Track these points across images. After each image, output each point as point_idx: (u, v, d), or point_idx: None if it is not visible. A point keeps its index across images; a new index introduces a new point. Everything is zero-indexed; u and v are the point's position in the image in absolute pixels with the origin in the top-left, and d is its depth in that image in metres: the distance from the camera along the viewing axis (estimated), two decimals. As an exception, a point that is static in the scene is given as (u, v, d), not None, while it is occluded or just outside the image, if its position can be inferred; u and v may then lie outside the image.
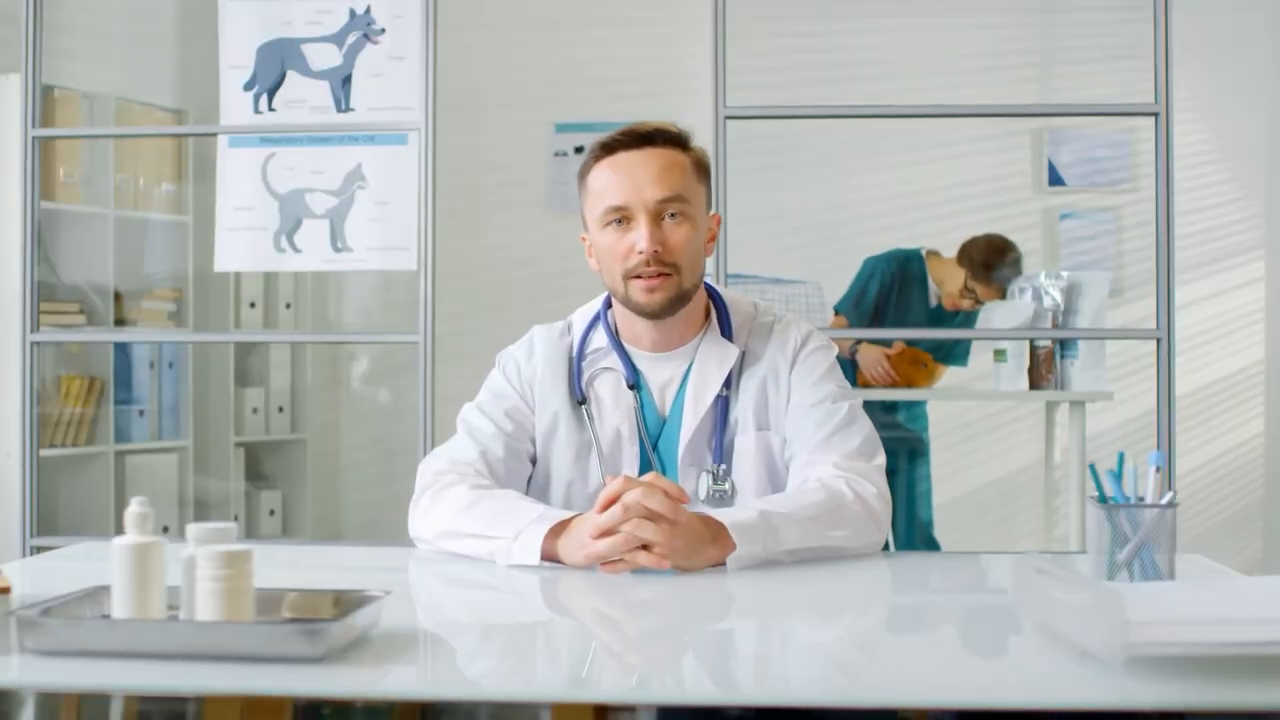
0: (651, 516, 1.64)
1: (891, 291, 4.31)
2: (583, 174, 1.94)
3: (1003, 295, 4.21)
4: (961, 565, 2.04)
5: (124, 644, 1.20)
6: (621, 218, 1.89)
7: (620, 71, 4.99)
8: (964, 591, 1.78)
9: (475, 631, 1.48)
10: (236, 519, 4.65)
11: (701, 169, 1.94)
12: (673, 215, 1.88)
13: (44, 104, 3.39)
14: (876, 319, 4.29)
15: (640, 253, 1.86)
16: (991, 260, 4.23)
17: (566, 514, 1.74)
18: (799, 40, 4.95)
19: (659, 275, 1.87)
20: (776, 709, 1.13)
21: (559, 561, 1.70)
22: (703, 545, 1.67)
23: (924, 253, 4.37)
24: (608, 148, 1.91)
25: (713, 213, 1.99)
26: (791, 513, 1.74)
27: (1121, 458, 1.50)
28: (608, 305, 2.01)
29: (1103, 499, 1.50)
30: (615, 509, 1.65)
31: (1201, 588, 1.46)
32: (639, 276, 1.88)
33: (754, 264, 4.21)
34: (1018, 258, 4.30)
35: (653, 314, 1.91)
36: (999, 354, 4.18)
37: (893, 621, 1.58)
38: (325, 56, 3.15)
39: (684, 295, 1.91)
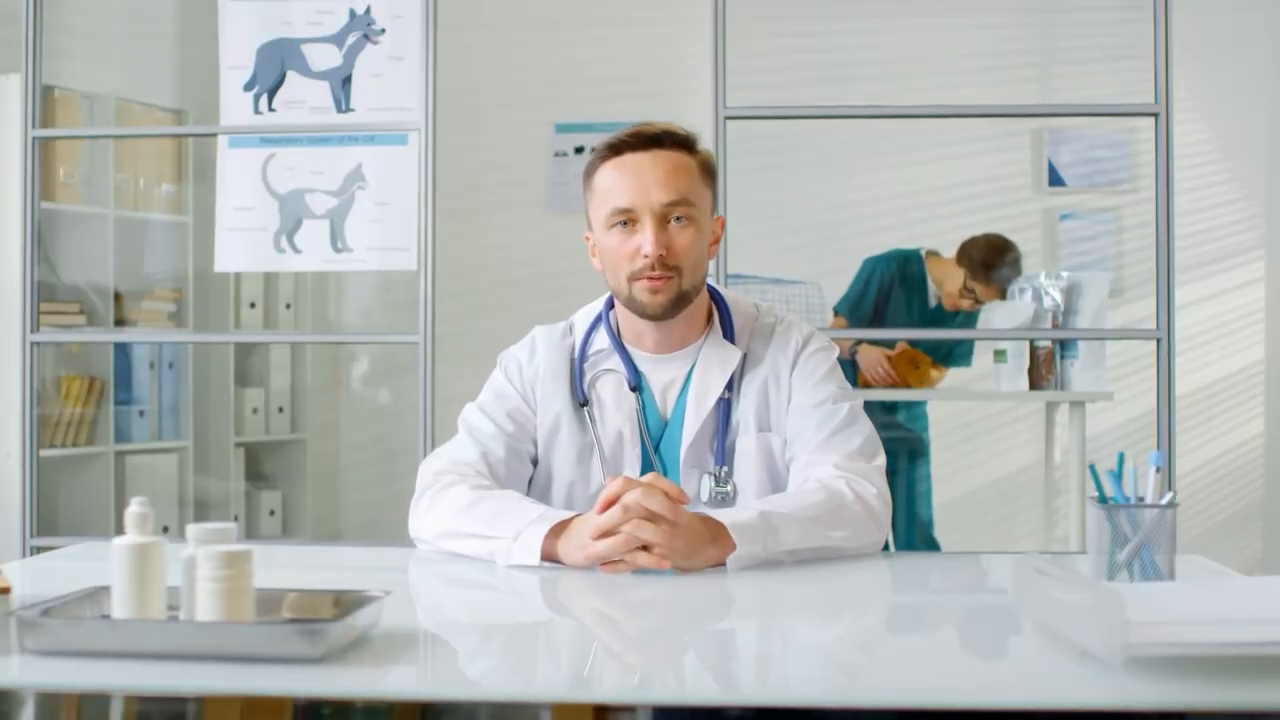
0: (651, 517, 1.63)
1: (891, 292, 4.31)
2: (589, 173, 1.94)
3: (1003, 295, 4.21)
4: (961, 565, 2.04)
5: (124, 644, 1.20)
6: (627, 219, 1.88)
7: (620, 71, 4.99)
8: (964, 591, 1.77)
9: (475, 631, 1.48)
10: (236, 519, 4.65)
11: (708, 171, 1.94)
12: (678, 219, 1.88)
13: (44, 104, 3.38)
14: (876, 319, 4.29)
15: (645, 256, 1.86)
16: (991, 260, 4.23)
17: (566, 514, 1.74)
18: (799, 40, 4.95)
19: (662, 277, 1.87)
20: (776, 709, 1.13)
21: (559, 562, 1.70)
22: (703, 545, 1.67)
23: (924, 253, 4.37)
24: (615, 148, 1.90)
25: (717, 215, 1.99)
26: (791, 513, 1.74)
27: (1121, 458, 1.50)
28: (609, 306, 2.01)
29: (1103, 499, 1.49)
30: (615, 510, 1.64)
31: (1201, 588, 1.46)
32: (643, 278, 1.88)
33: (754, 264, 4.21)
34: (1017, 258, 4.30)
35: (655, 315, 1.91)
36: (999, 354, 4.18)
37: (893, 621, 1.58)
38: (325, 57, 3.15)
39: (686, 297, 1.91)
